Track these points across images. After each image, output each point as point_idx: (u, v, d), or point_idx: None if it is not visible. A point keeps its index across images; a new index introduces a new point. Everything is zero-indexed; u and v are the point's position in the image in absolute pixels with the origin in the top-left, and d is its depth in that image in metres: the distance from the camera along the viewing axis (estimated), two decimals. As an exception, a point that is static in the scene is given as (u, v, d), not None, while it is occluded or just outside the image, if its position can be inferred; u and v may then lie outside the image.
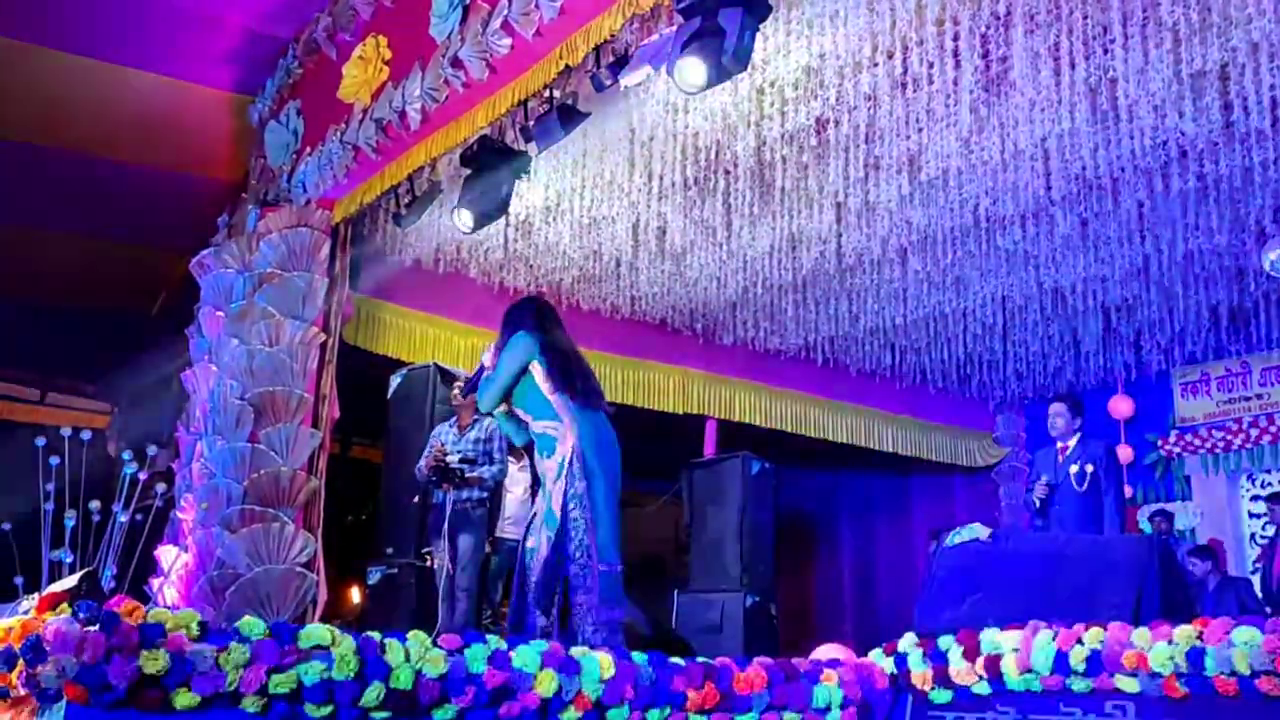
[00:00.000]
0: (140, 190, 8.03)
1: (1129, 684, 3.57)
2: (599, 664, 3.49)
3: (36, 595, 3.38)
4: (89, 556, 5.41)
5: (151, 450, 6.40)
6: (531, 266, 7.97)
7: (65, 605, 2.74)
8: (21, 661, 2.58)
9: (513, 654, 3.38)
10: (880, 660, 4.26)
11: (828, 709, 3.99)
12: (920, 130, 6.24)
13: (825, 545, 12.70)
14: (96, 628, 2.63)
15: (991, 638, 3.96)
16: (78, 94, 7.22)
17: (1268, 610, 7.57)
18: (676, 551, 9.73)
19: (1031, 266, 7.92)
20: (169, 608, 3.79)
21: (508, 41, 5.08)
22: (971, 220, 7.20)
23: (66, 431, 5.35)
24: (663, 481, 10.49)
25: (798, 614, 11.64)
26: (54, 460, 5.40)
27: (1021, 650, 3.82)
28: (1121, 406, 10.53)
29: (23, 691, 2.65)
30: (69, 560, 5.20)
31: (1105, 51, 5.44)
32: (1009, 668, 3.85)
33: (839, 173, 6.60)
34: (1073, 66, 5.50)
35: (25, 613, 2.85)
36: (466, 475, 6.40)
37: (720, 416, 9.65)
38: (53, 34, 6.75)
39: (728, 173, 6.80)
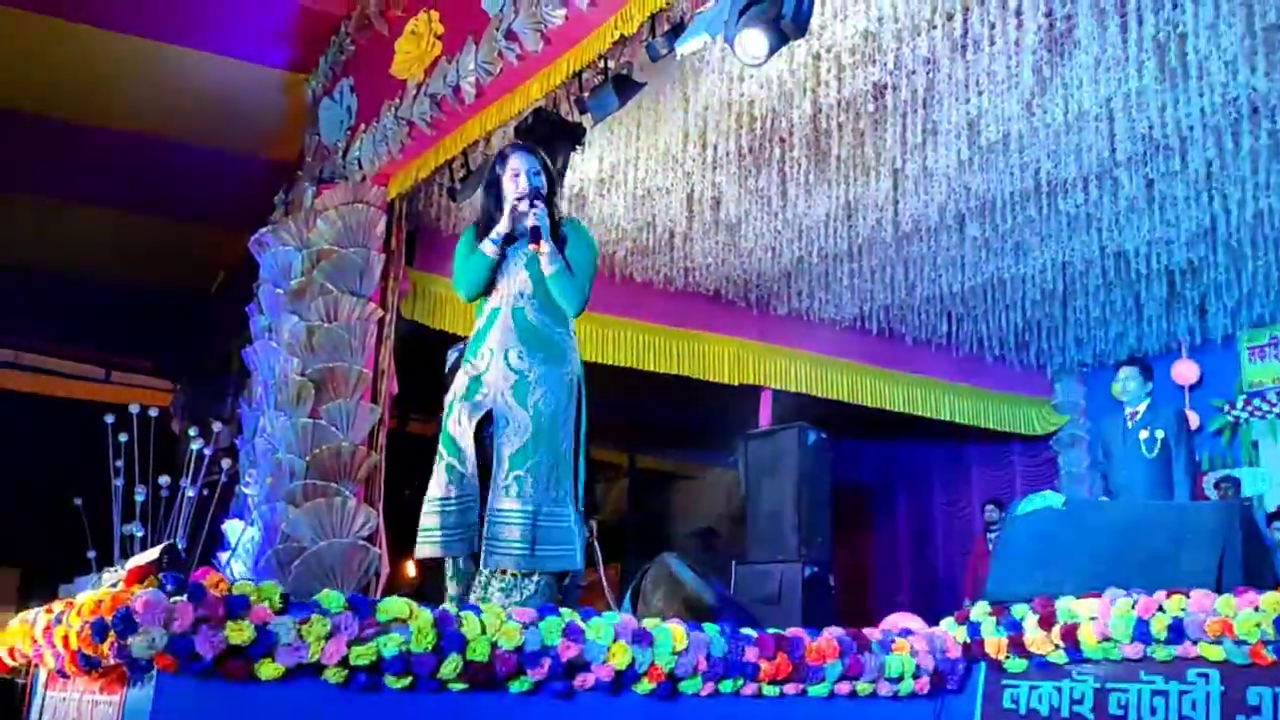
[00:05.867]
0: (198, 170, 8.12)
1: (1214, 652, 3.49)
2: (671, 636, 3.47)
3: (119, 568, 3.44)
4: (159, 530, 5.50)
5: (215, 426, 6.50)
6: (585, 239, 7.94)
7: (152, 578, 2.77)
8: (113, 633, 2.61)
9: (586, 626, 3.37)
10: (953, 629, 4.19)
11: (900, 679, 3.94)
12: (980, 93, 6.13)
13: (882, 515, 12.63)
14: (184, 599, 2.66)
15: (1068, 606, 3.90)
16: (133, 74, 7.29)
17: None
18: (732, 523, 9.71)
19: (1094, 230, 7.76)
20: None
21: (562, 12, 5.04)
22: (1032, 184, 7.08)
23: (135, 409, 5.42)
24: (718, 453, 10.43)
25: (855, 584, 11.60)
26: (123, 437, 5.47)
27: (1100, 618, 3.75)
28: (1186, 372, 10.31)
29: (114, 662, 2.69)
30: (140, 534, 5.29)
31: (1175, 6, 5.30)
32: (1086, 636, 3.78)
33: (896, 139, 6.52)
34: (1140, 23, 5.36)
35: (113, 586, 2.89)
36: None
37: (775, 387, 9.59)
38: (107, 15, 6.81)
39: (783, 141, 6.73)
